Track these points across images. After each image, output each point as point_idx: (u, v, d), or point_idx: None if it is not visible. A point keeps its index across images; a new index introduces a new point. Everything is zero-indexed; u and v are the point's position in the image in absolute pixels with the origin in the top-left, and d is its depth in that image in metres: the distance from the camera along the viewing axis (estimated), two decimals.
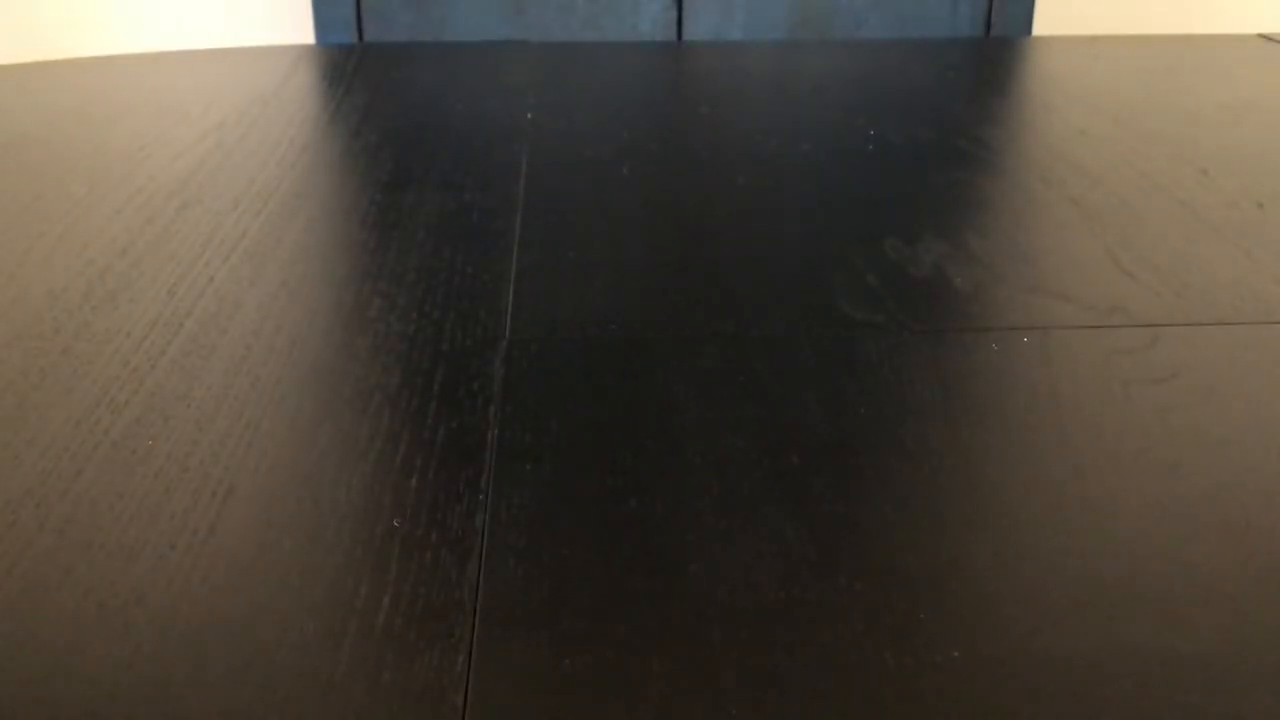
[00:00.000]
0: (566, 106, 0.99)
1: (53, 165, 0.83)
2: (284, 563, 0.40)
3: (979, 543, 0.43)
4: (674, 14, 1.60)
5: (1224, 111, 0.97)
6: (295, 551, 0.41)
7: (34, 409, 0.50)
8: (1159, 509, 0.44)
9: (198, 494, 0.44)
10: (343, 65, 1.12)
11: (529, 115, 0.94)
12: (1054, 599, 0.40)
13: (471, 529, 0.42)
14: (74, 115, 0.97)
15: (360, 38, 1.55)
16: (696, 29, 1.60)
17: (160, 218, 0.72)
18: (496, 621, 0.38)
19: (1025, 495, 0.46)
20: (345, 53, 1.23)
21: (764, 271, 0.66)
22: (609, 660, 0.37)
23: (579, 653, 0.37)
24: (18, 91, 1.03)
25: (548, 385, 0.53)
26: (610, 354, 0.56)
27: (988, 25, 1.60)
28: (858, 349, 0.57)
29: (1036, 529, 0.44)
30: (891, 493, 0.46)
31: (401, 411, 0.50)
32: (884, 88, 1.08)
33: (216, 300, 0.60)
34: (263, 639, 0.37)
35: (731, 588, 0.36)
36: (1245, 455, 0.48)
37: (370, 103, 0.99)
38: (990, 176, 0.83)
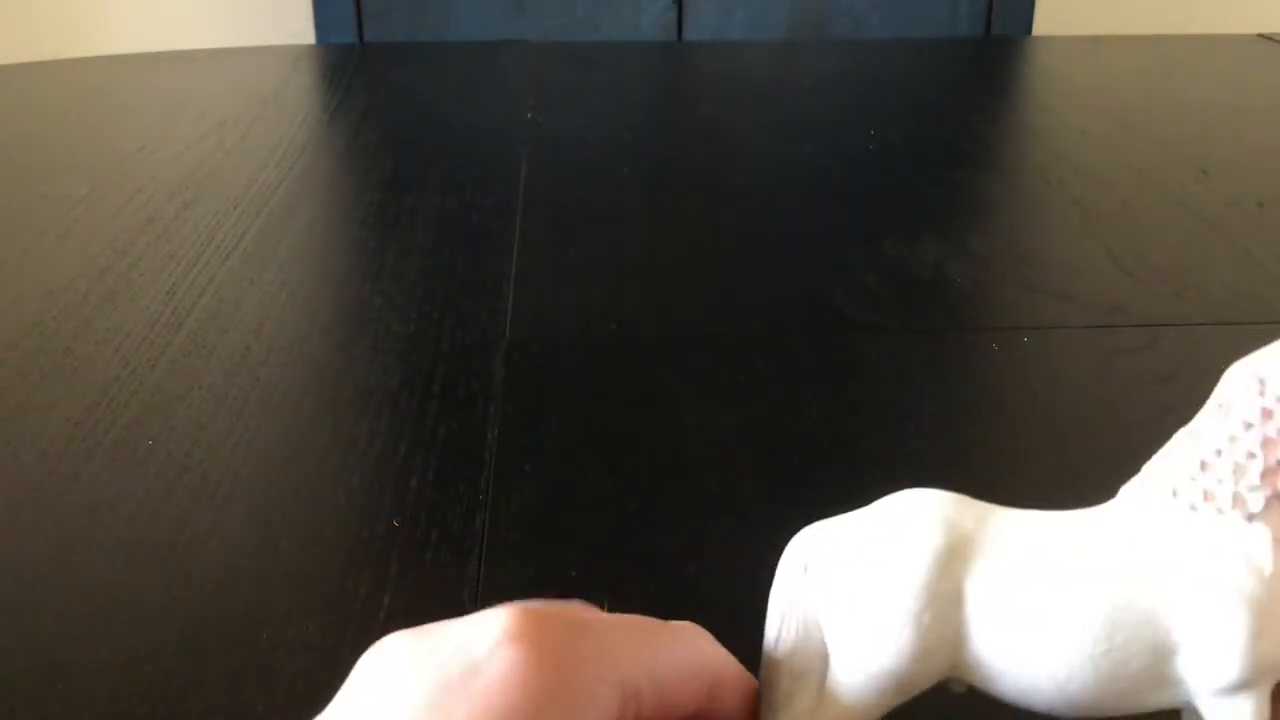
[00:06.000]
0: (566, 106, 0.99)
1: (53, 165, 0.83)
2: (284, 563, 0.40)
3: None
4: (674, 14, 1.60)
5: (1224, 111, 0.97)
6: (295, 551, 0.41)
7: (34, 409, 0.50)
8: None
9: (198, 494, 0.44)
10: (343, 65, 1.12)
11: (529, 115, 0.94)
12: None
13: (471, 529, 0.42)
14: (74, 115, 0.97)
15: (360, 38, 1.55)
16: (696, 29, 1.60)
17: (160, 218, 0.72)
18: None
19: (1025, 495, 0.46)
20: (345, 53, 1.23)
21: (764, 271, 0.66)
22: None
23: None
24: (18, 91, 1.03)
25: (548, 385, 0.53)
26: (610, 354, 0.56)
27: (988, 25, 1.60)
28: (858, 349, 0.57)
29: None
30: (891, 493, 0.46)
31: (401, 411, 0.50)
32: (884, 88, 1.08)
33: (216, 300, 0.60)
34: (262, 639, 0.37)
35: (731, 588, 0.36)
36: None
37: (370, 103, 0.99)
38: (990, 176, 0.83)
